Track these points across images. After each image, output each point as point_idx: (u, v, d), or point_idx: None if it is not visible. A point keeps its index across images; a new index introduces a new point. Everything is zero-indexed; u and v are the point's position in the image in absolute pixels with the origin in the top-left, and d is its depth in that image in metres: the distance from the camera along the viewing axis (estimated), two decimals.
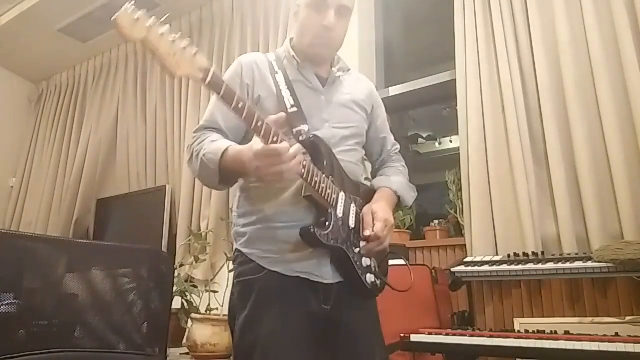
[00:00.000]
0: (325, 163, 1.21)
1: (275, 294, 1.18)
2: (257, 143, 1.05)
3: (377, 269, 1.30)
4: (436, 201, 2.68)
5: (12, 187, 4.33)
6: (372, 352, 1.28)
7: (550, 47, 2.15)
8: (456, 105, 2.38)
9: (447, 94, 2.53)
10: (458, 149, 2.33)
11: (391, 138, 1.54)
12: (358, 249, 1.25)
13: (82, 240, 3.11)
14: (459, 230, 2.37)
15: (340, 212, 1.22)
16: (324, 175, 1.17)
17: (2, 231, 1.49)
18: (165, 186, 3.17)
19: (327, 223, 1.18)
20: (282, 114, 1.07)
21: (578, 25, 2.09)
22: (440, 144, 2.95)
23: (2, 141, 4.34)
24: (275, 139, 1.03)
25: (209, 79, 0.96)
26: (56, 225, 3.80)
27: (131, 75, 3.84)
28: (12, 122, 4.46)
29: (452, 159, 2.42)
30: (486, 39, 2.33)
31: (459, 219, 2.32)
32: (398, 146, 1.56)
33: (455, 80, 2.39)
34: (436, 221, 2.46)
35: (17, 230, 3.72)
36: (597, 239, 1.87)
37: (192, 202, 3.13)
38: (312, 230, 1.15)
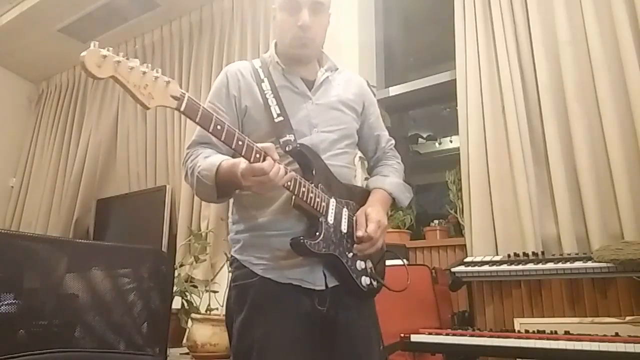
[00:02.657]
0: (314, 172, 1.21)
1: (270, 298, 1.19)
2: (243, 161, 1.06)
3: (373, 271, 1.30)
4: (436, 201, 2.68)
5: (12, 187, 4.33)
6: (370, 352, 1.27)
7: (550, 47, 2.15)
8: (456, 105, 2.38)
9: (447, 94, 2.53)
10: (458, 149, 2.34)
11: (385, 134, 1.52)
12: (351, 254, 1.25)
13: (82, 240, 3.10)
14: (459, 230, 2.37)
15: (331, 218, 1.21)
16: (312, 185, 1.17)
17: (2, 231, 1.49)
18: (165, 186, 3.17)
19: (317, 232, 1.17)
20: (271, 145, 1.07)
21: (578, 25, 2.09)
22: (440, 144, 2.95)
23: (2, 141, 4.35)
24: (257, 156, 1.04)
25: (183, 106, 0.95)
26: (56, 225, 3.80)
27: None
28: (12, 122, 4.47)
29: (452, 159, 2.42)
30: (486, 39, 2.33)
31: (459, 219, 2.32)
32: (393, 141, 1.54)
33: (455, 80, 2.39)
34: (436, 221, 2.46)
35: (17, 230, 3.72)
36: (597, 239, 1.87)
37: (192, 202, 3.13)
38: (302, 240, 1.15)
